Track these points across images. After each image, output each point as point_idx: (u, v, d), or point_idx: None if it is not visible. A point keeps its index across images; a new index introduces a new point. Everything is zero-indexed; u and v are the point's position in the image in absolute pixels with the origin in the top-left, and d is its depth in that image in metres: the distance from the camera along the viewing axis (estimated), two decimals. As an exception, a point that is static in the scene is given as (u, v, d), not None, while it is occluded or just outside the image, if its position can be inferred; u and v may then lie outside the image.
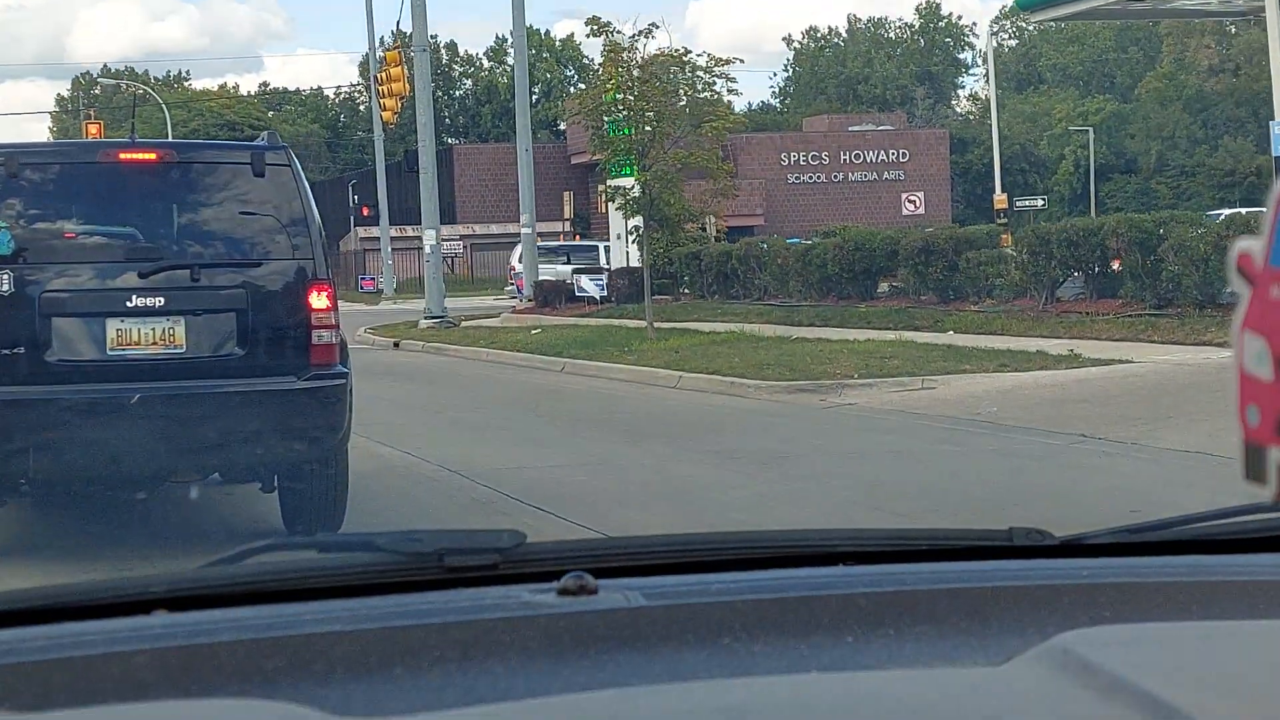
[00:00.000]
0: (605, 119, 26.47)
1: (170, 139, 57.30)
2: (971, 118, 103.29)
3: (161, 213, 9.70)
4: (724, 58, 26.99)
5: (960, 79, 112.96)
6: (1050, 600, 1.97)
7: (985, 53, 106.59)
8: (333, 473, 9.94)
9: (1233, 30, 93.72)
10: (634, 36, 25.87)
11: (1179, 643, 1.76)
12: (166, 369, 9.38)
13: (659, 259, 29.35)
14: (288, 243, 9.70)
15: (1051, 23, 54.48)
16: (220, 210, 9.78)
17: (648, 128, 25.51)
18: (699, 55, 25.91)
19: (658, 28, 25.80)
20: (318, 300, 9.69)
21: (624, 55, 25.83)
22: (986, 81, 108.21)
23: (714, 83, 26.64)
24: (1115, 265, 24.04)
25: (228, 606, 1.89)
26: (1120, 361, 19.00)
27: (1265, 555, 2.15)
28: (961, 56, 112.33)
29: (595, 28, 26.05)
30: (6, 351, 9.21)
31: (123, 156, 9.70)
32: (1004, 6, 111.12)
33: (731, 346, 24.26)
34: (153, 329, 9.40)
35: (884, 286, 30.44)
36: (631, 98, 25.37)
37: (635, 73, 25.64)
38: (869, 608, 1.93)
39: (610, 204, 29.95)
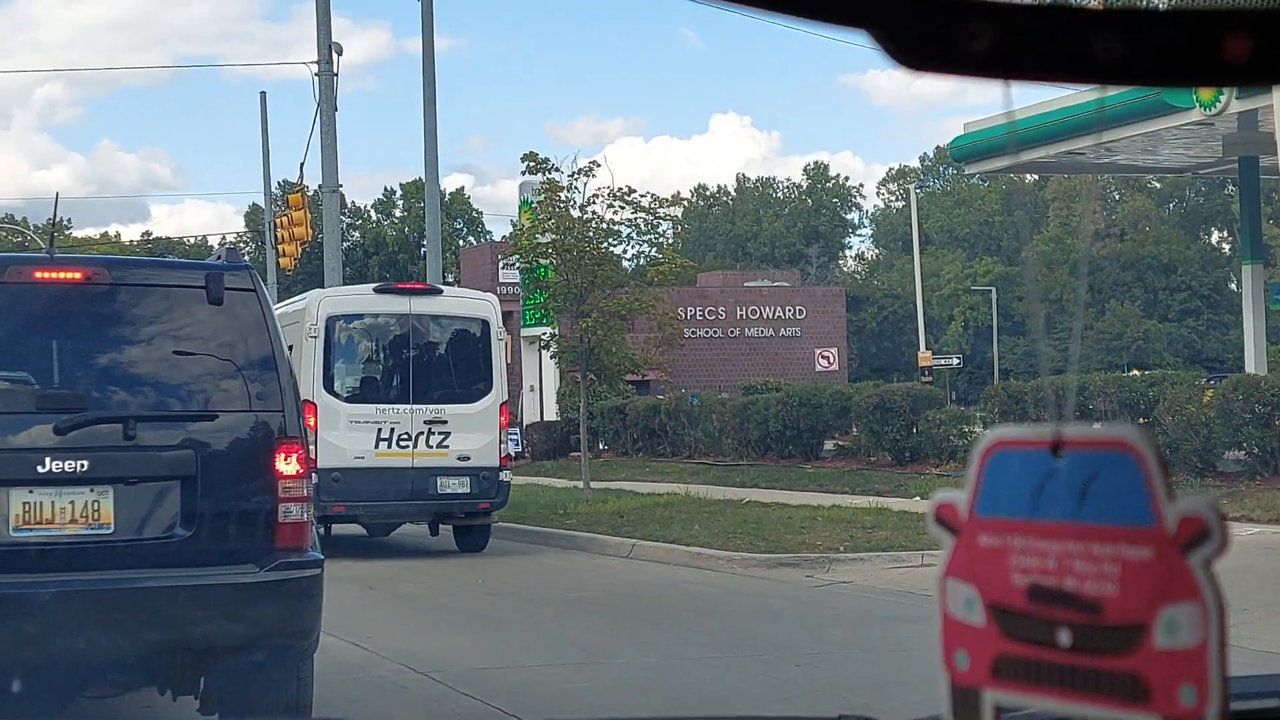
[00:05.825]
0: (541, 261, 24.41)
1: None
2: (859, 277, 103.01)
3: (87, 350, 7.44)
4: (669, 197, 25.22)
5: (847, 239, 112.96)
6: None
7: (876, 213, 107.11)
8: (294, 690, 7.68)
9: (1117, 197, 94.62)
10: (574, 175, 23.95)
11: None
12: (89, 556, 7.11)
13: (579, 412, 27.20)
14: (250, 390, 7.50)
15: (983, 175, 53.69)
16: (163, 347, 7.54)
17: (588, 272, 23.44)
18: (643, 195, 24.00)
19: (599, 166, 23.91)
20: (286, 465, 7.49)
21: (562, 195, 23.88)
22: (875, 244, 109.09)
23: (658, 224, 24.79)
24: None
25: None
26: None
27: None
28: (849, 217, 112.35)
29: (533, 164, 24.12)
30: (-128, 532, 6.89)
31: (39, 275, 7.44)
32: (890, 169, 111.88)
33: (680, 509, 22.11)
34: (71, 502, 7.13)
35: (829, 445, 28.53)
36: (571, 239, 23.33)
37: (575, 213, 23.68)
38: None
39: (542, 352, 27.86)
